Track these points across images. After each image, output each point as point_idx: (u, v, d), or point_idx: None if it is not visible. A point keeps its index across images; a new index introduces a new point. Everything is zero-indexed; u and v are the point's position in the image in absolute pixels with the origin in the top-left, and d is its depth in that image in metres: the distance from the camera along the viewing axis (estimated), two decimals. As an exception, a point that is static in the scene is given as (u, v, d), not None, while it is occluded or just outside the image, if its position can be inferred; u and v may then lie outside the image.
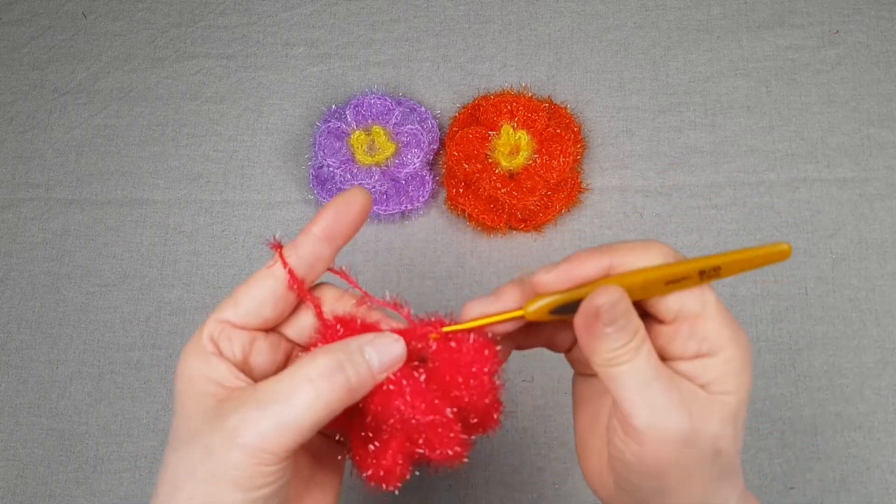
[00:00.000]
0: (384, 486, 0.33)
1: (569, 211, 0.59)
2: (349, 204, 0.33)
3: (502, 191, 0.56)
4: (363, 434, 0.33)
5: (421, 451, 0.32)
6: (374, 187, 0.58)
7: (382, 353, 0.31)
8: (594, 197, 0.59)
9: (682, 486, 0.31)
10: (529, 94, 0.61)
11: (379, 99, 0.60)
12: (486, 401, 0.32)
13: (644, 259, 0.31)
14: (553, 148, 0.57)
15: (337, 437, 0.35)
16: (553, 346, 0.36)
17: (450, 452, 0.32)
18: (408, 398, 0.31)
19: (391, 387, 0.31)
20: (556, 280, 0.31)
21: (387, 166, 0.59)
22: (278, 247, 0.33)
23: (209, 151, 0.63)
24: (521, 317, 0.32)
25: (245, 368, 0.33)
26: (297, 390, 0.30)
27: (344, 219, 0.33)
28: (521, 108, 0.58)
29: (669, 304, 0.31)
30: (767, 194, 0.59)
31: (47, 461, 0.56)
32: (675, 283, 0.30)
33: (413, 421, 0.31)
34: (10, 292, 0.60)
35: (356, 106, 0.60)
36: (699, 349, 0.31)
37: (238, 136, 0.63)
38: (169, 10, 0.68)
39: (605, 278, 0.31)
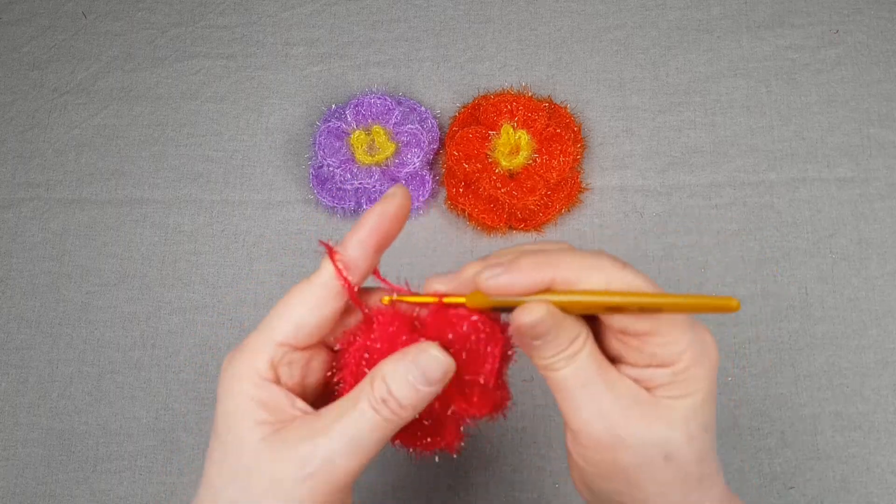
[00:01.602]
0: (451, 451, 0.34)
1: (569, 211, 0.59)
2: (393, 205, 0.33)
3: (502, 191, 0.56)
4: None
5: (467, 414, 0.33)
6: (374, 187, 0.58)
7: (429, 374, 0.31)
8: (594, 197, 0.59)
9: (637, 490, 0.31)
10: (529, 94, 0.61)
11: (379, 99, 0.60)
12: (481, 379, 0.32)
13: (587, 279, 0.30)
14: (553, 148, 0.57)
15: None
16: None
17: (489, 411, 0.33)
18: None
19: None
20: (497, 290, 0.30)
21: (387, 166, 0.59)
22: (332, 253, 0.32)
23: (209, 151, 0.63)
24: (463, 304, 0.32)
25: (299, 389, 0.33)
26: (361, 413, 0.30)
27: (389, 220, 0.33)
28: (521, 107, 0.58)
29: (615, 321, 0.31)
30: (767, 194, 0.59)
31: (47, 461, 0.56)
32: (615, 310, 0.30)
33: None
34: (10, 292, 0.60)
35: (356, 106, 0.60)
36: (649, 362, 0.31)
37: (238, 136, 0.63)
38: (169, 10, 0.68)
39: (543, 293, 0.30)
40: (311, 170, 0.60)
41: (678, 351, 0.30)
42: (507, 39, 0.65)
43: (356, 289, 0.33)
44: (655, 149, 0.60)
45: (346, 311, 0.34)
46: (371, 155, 0.59)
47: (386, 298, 0.33)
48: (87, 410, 0.57)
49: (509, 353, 0.33)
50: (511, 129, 0.58)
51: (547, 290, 0.30)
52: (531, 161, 0.57)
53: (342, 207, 0.59)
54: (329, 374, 0.34)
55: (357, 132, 0.59)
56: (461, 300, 0.32)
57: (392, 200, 0.33)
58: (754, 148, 0.60)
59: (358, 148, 0.59)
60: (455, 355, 0.32)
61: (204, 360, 0.57)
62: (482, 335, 0.32)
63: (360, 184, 0.58)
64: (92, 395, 0.57)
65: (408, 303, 0.33)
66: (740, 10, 0.64)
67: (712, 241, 0.58)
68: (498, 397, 0.33)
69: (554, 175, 0.57)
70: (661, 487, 0.31)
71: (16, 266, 0.61)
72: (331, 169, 0.59)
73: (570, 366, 0.31)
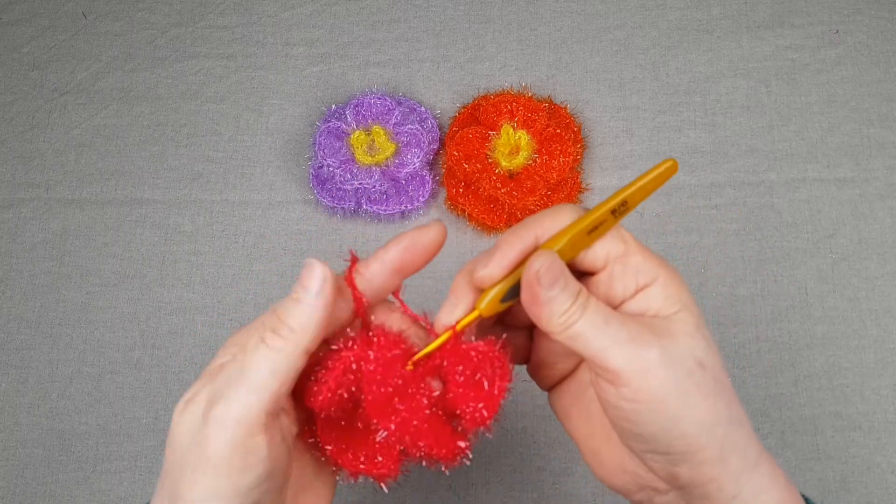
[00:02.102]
0: (381, 482, 0.33)
1: (569, 211, 0.59)
2: (427, 236, 0.34)
3: (502, 191, 0.56)
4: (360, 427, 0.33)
5: (420, 451, 0.32)
6: (374, 187, 0.58)
7: (305, 281, 0.31)
8: (594, 197, 0.59)
9: (686, 410, 0.31)
10: (529, 94, 0.61)
11: (379, 99, 0.60)
12: (486, 413, 0.33)
13: (561, 221, 0.33)
14: (553, 148, 0.57)
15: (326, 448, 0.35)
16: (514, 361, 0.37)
17: (447, 452, 0.33)
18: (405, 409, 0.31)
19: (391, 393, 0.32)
20: (495, 270, 0.32)
21: (387, 166, 0.59)
22: (350, 269, 0.32)
23: (209, 151, 0.63)
24: (479, 315, 0.33)
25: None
26: (255, 354, 0.30)
27: (418, 250, 0.33)
28: (521, 108, 0.58)
29: (597, 252, 0.33)
30: (767, 194, 0.59)
31: (47, 461, 0.56)
32: (595, 230, 0.32)
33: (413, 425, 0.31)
34: (10, 292, 0.60)
35: (356, 106, 0.60)
36: (637, 282, 0.33)
37: (238, 136, 0.63)
38: (169, 10, 0.68)
39: (535, 250, 0.32)
40: (311, 170, 0.60)
41: (656, 264, 0.33)
42: (507, 39, 0.65)
43: (368, 305, 0.33)
44: (655, 149, 0.60)
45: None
46: (371, 155, 0.59)
47: (409, 365, 0.33)
48: (87, 411, 0.57)
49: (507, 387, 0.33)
50: (511, 130, 0.58)
51: (535, 249, 0.32)
52: (531, 161, 0.57)
53: (342, 207, 0.59)
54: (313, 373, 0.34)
55: (357, 132, 0.59)
56: (475, 314, 0.33)
57: (428, 232, 0.34)
58: (754, 148, 0.60)
59: (358, 148, 0.59)
60: (464, 384, 0.32)
61: (204, 361, 0.57)
62: (491, 363, 0.32)
63: (360, 184, 0.58)
64: (92, 396, 0.57)
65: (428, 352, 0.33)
66: (740, 10, 0.64)
67: (712, 241, 0.58)
68: (460, 444, 0.33)
69: (554, 175, 0.57)
70: (706, 399, 0.31)
71: (16, 266, 0.61)
72: (331, 169, 0.59)
73: (585, 313, 0.31)
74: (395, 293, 0.34)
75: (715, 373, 0.32)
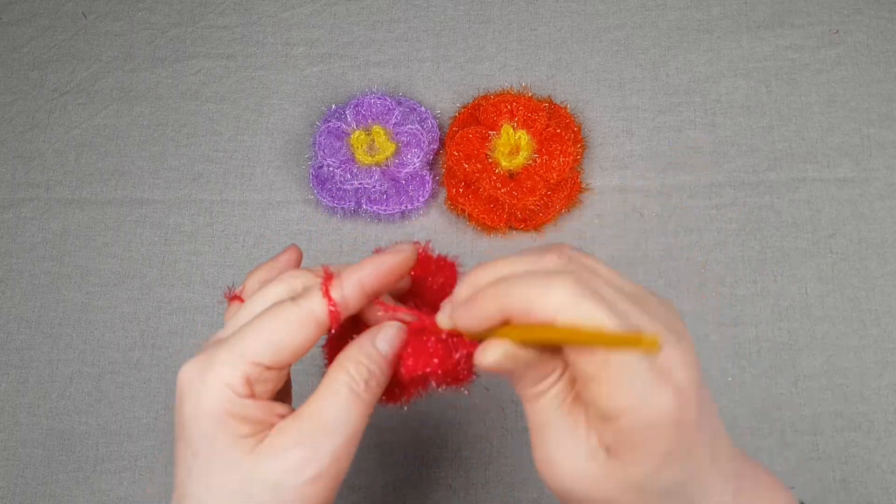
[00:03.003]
0: (401, 403, 0.35)
1: (569, 211, 0.59)
2: (399, 258, 0.34)
3: (502, 191, 0.56)
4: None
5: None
6: (374, 187, 0.58)
7: (393, 341, 0.33)
8: (594, 197, 0.59)
9: None
10: (529, 94, 0.61)
11: (379, 99, 0.60)
12: None
13: (533, 310, 0.28)
14: (553, 148, 0.57)
15: None
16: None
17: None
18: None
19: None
20: (464, 328, 0.31)
21: (387, 166, 0.59)
22: (326, 287, 0.33)
23: (209, 151, 0.63)
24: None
25: (272, 395, 0.33)
26: (350, 407, 0.31)
27: (391, 273, 0.34)
28: (521, 108, 0.58)
29: (569, 358, 0.29)
30: (767, 194, 0.59)
31: (47, 461, 0.55)
32: (560, 343, 0.28)
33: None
34: (10, 292, 0.60)
35: (356, 106, 0.60)
36: (594, 413, 0.28)
37: (238, 136, 0.63)
38: (169, 10, 0.68)
39: (504, 324, 0.29)
40: (311, 170, 0.60)
41: (618, 406, 0.27)
42: (507, 39, 0.65)
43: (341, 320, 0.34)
44: (655, 149, 0.60)
45: None
46: (371, 155, 0.59)
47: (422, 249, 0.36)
48: (87, 411, 0.57)
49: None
50: (511, 130, 0.58)
51: (506, 322, 0.29)
52: (531, 161, 0.57)
53: (342, 207, 0.59)
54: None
55: (357, 132, 0.59)
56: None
57: (401, 254, 0.34)
58: (754, 148, 0.60)
59: (358, 148, 0.59)
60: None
61: (204, 361, 0.57)
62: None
63: (360, 184, 0.58)
64: (92, 396, 0.57)
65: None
66: (740, 10, 0.64)
67: (712, 241, 0.58)
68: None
69: (554, 175, 0.57)
70: None
71: (16, 266, 0.61)
72: (331, 169, 0.59)
73: (535, 404, 0.30)
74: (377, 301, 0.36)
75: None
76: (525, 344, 0.29)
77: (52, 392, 0.57)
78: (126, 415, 0.56)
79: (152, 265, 0.60)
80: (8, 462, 0.56)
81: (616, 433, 0.27)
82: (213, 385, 0.31)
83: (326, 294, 0.32)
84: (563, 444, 0.29)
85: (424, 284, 0.37)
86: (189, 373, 0.32)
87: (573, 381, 0.30)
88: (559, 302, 0.27)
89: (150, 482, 0.54)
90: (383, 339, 0.33)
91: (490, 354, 0.29)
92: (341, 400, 0.31)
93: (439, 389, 0.34)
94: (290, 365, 0.33)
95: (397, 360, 0.33)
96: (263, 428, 0.31)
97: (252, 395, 0.31)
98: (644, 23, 0.64)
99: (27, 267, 0.61)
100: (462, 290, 0.32)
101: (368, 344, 0.33)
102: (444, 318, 0.32)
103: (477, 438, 0.54)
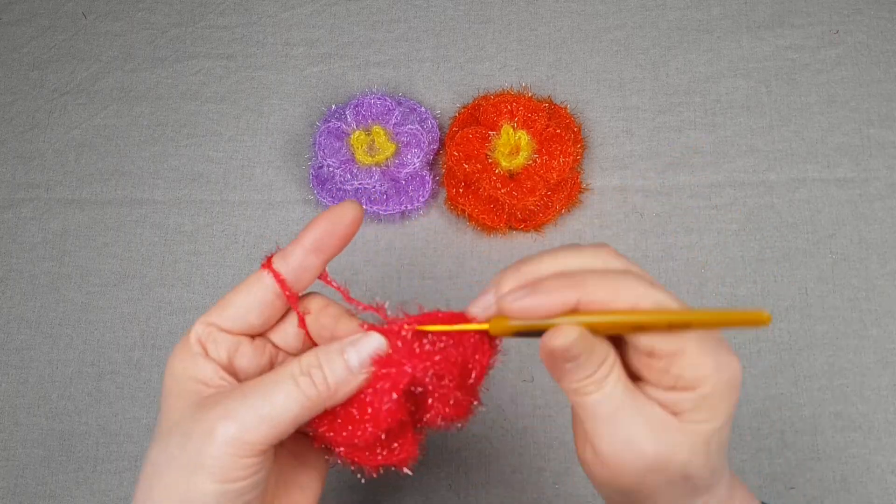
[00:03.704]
0: (402, 466, 0.34)
1: (569, 211, 0.59)
2: (340, 217, 0.34)
3: (502, 191, 0.56)
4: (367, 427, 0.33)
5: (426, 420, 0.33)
6: (374, 187, 0.58)
7: (362, 352, 0.32)
8: (594, 197, 0.59)
9: (650, 500, 0.32)
10: (529, 94, 0.61)
11: (379, 99, 0.60)
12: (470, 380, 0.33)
13: (614, 300, 0.30)
14: (553, 148, 0.57)
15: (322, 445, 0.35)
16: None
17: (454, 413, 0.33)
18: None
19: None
20: (521, 314, 0.30)
21: (387, 166, 0.59)
22: (269, 257, 0.34)
23: (209, 151, 0.63)
24: (486, 331, 0.32)
25: (230, 371, 0.34)
26: (279, 385, 0.31)
27: (334, 232, 0.34)
28: (521, 108, 0.58)
29: (642, 341, 0.31)
30: (767, 194, 0.59)
31: (47, 461, 0.56)
32: (643, 329, 0.30)
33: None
34: (10, 292, 0.60)
35: (356, 106, 0.60)
36: (674, 384, 0.31)
37: (238, 136, 0.63)
38: (169, 10, 0.68)
39: (569, 314, 0.30)
40: (311, 170, 0.60)
41: (704, 374, 0.30)
42: (507, 39, 0.65)
43: (300, 294, 0.34)
44: (655, 149, 0.60)
45: (288, 313, 0.36)
46: (371, 155, 0.59)
47: (406, 328, 0.33)
48: (87, 411, 0.57)
49: (492, 361, 0.33)
50: (511, 130, 0.58)
51: (573, 311, 0.30)
52: (531, 161, 0.57)
53: (342, 207, 0.59)
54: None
55: (357, 132, 0.59)
56: (484, 327, 0.32)
57: (342, 211, 0.34)
58: (754, 148, 0.60)
59: (358, 148, 0.59)
60: (440, 363, 0.32)
61: (204, 361, 0.57)
62: (469, 345, 0.32)
63: (360, 184, 0.58)
64: (92, 396, 0.57)
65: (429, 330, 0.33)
66: (740, 10, 0.64)
67: (712, 241, 0.58)
68: (469, 403, 0.33)
69: (554, 175, 0.57)
70: (675, 497, 0.32)
71: (16, 266, 0.61)
72: (331, 169, 0.59)
73: (599, 391, 0.31)
74: (323, 277, 0.35)
75: (700, 481, 0.31)
76: (609, 329, 0.30)
77: (52, 392, 0.57)
78: (126, 415, 0.56)
79: (152, 265, 0.60)
80: (8, 462, 0.56)
81: (698, 398, 0.30)
82: (177, 348, 0.34)
83: (266, 257, 0.34)
84: (637, 422, 0.30)
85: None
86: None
87: (621, 365, 0.32)
88: (638, 291, 0.30)
89: (150, 482, 0.54)
90: (357, 349, 0.32)
91: (565, 336, 0.30)
92: (277, 380, 0.31)
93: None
94: (240, 326, 0.34)
95: (369, 374, 0.32)
96: (210, 389, 0.33)
97: (205, 355, 0.33)
98: (644, 23, 0.64)
99: (27, 267, 0.61)
100: (508, 280, 0.32)
101: (336, 346, 0.32)
102: (481, 309, 0.32)
103: (477, 438, 0.54)
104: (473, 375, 0.32)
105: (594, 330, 0.30)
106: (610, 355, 0.31)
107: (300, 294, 0.35)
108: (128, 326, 0.59)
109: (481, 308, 0.32)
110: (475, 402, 0.33)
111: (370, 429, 0.32)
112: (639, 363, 0.31)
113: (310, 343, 0.36)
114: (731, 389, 0.31)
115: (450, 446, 0.53)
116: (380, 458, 0.33)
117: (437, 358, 0.32)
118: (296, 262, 0.34)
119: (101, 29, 0.68)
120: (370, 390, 0.32)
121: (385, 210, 0.58)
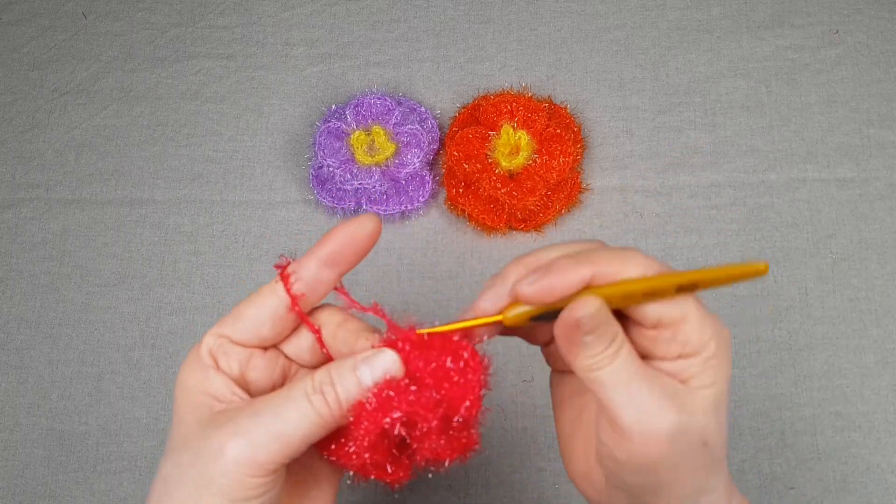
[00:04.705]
0: (393, 486, 0.34)
1: (569, 211, 0.59)
2: (358, 230, 0.33)
3: (502, 191, 0.56)
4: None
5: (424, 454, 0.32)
6: (374, 187, 0.58)
7: (375, 369, 0.32)
8: (594, 197, 0.59)
9: (674, 480, 0.32)
10: (529, 94, 0.61)
11: (379, 99, 0.60)
12: (466, 403, 0.32)
13: (624, 270, 0.31)
14: (553, 148, 0.57)
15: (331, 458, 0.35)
16: (531, 339, 0.36)
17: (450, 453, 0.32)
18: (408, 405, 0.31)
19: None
20: (538, 295, 0.31)
21: (387, 166, 0.59)
22: (283, 269, 0.33)
23: (209, 151, 0.63)
24: (500, 321, 0.32)
25: (242, 384, 0.33)
26: (292, 403, 0.31)
27: (351, 245, 0.33)
28: (521, 108, 0.58)
29: (649, 312, 0.32)
30: (767, 194, 0.59)
31: (47, 461, 0.56)
32: (653, 295, 0.31)
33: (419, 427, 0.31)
34: (10, 292, 0.60)
35: (356, 106, 0.60)
36: (681, 351, 0.32)
37: (238, 136, 0.63)
38: (169, 10, 0.68)
39: (585, 289, 0.31)
40: (311, 170, 0.60)
41: (706, 338, 0.31)
42: (507, 39, 0.65)
43: (309, 307, 0.34)
44: (655, 149, 0.60)
45: (301, 325, 0.35)
46: (371, 155, 0.59)
47: (423, 330, 0.33)
48: (87, 411, 0.57)
49: (483, 392, 0.33)
50: (511, 130, 0.58)
51: (586, 287, 0.31)
52: (531, 161, 0.57)
53: (342, 208, 0.59)
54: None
55: (357, 132, 0.59)
56: (498, 318, 0.32)
57: (359, 224, 0.33)
58: (754, 148, 0.60)
59: (358, 148, 0.59)
60: (434, 388, 0.32)
61: (204, 361, 0.57)
62: (465, 368, 0.32)
63: (360, 184, 0.58)
64: (92, 396, 0.57)
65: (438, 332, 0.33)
66: (740, 10, 0.64)
67: (712, 241, 0.58)
68: (468, 439, 0.33)
69: (554, 175, 0.57)
70: (696, 473, 0.32)
71: (16, 266, 0.61)
72: (331, 169, 0.59)
73: (613, 363, 0.31)
74: (338, 288, 0.34)
75: (716, 450, 0.32)
76: (623, 300, 0.31)
77: (52, 392, 0.57)
78: (126, 415, 0.56)
79: (152, 265, 0.60)
80: (8, 462, 0.56)
81: (703, 361, 0.32)
82: (189, 359, 0.33)
83: (279, 267, 0.33)
84: (655, 388, 0.31)
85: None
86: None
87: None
88: (644, 261, 0.31)
89: (150, 482, 0.54)
90: (364, 360, 0.32)
91: (589, 306, 0.30)
92: (289, 397, 0.31)
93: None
94: (252, 339, 0.33)
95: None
96: (224, 407, 0.32)
97: (216, 368, 0.33)
98: (644, 23, 0.64)
99: (27, 267, 0.61)
100: (513, 271, 0.32)
101: (349, 363, 0.32)
102: (491, 302, 0.32)
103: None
104: (461, 414, 0.32)
105: (609, 302, 0.31)
106: (619, 331, 0.32)
107: (313, 307, 0.34)
108: (128, 326, 0.59)
109: (491, 301, 0.32)
110: (471, 442, 0.33)
111: (355, 458, 0.32)
112: (645, 340, 0.32)
113: (323, 355, 0.35)
114: (728, 352, 0.33)
115: (450, 446, 0.54)
116: (371, 473, 0.33)
117: (410, 399, 0.31)
118: (310, 274, 0.33)
119: (101, 29, 0.68)
120: (352, 425, 0.32)
121: (385, 210, 0.58)
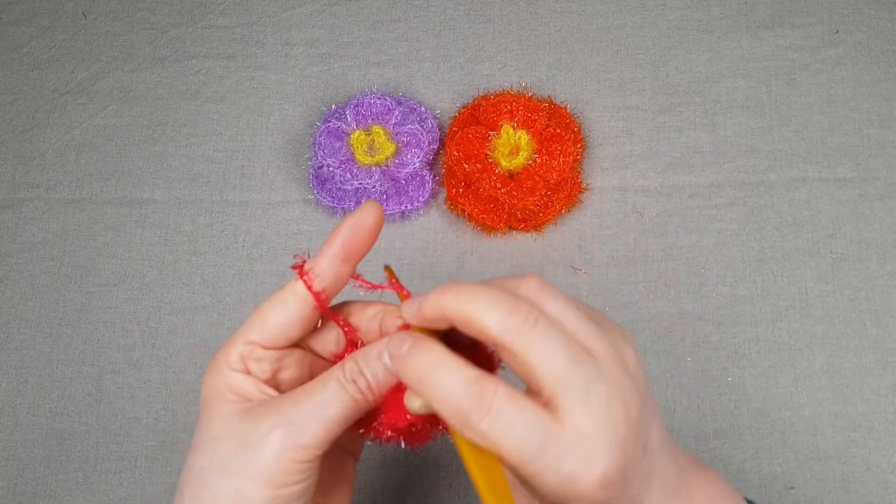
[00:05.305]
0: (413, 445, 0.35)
1: (569, 211, 0.59)
2: (362, 221, 0.34)
3: (502, 191, 0.56)
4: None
5: None
6: (374, 187, 0.58)
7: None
8: (594, 197, 0.59)
9: (622, 495, 0.31)
10: (529, 94, 0.61)
11: (379, 99, 0.60)
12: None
13: (474, 324, 0.31)
14: (553, 148, 0.57)
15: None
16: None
17: None
18: None
19: None
20: (416, 321, 0.33)
21: (387, 166, 0.59)
22: (301, 269, 0.34)
23: (209, 151, 0.63)
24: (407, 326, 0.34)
25: (273, 384, 0.34)
26: (328, 388, 0.32)
27: (359, 236, 0.34)
28: (521, 108, 0.58)
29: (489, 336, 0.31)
30: (767, 194, 0.59)
31: (47, 461, 0.56)
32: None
33: None
34: (10, 292, 0.60)
35: (356, 106, 0.60)
36: (535, 387, 0.30)
37: (238, 136, 0.63)
38: (169, 10, 0.68)
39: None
40: (311, 170, 0.60)
41: (541, 377, 0.29)
42: (507, 39, 0.65)
43: (329, 301, 0.35)
44: (655, 149, 0.60)
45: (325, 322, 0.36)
46: (371, 155, 0.59)
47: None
48: (87, 411, 0.57)
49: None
50: (511, 130, 0.58)
51: (451, 327, 0.32)
52: (531, 161, 0.57)
53: (342, 208, 0.59)
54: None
55: (357, 132, 0.59)
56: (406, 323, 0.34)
57: (364, 214, 0.34)
58: (754, 148, 0.60)
59: (358, 148, 0.59)
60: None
61: (204, 361, 0.57)
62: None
63: (360, 184, 0.58)
64: (92, 396, 0.57)
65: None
66: (740, 10, 0.64)
67: (712, 241, 0.58)
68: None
69: (554, 175, 0.57)
70: (639, 481, 0.31)
71: (16, 266, 0.61)
72: (331, 169, 0.59)
73: (486, 420, 0.31)
74: (356, 277, 0.36)
75: (645, 458, 0.31)
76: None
77: (52, 392, 0.57)
78: (126, 415, 0.56)
79: (152, 265, 0.60)
80: (8, 462, 0.56)
81: (545, 404, 0.30)
82: (217, 361, 0.34)
83: (297, 268, 0.34)
84: (518, 427, 0.30)
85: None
86: (211, 357, 0.35)
87: None
88: (493, 321, 0.30)
89: (150, 482, 0.54)
90: (387, 346, 0.33)
91: (413, 402, 0.32)
92: (324, 386, 0.32)
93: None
94: (281, 344, 0.34)
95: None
96: (253, 402, 0.33)
97: (246, 372, 0.34)
98: (644, 23, 0.64)
99: (27, 267, 0.61)
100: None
101: (374, 351, 0.33)
102: (408, 311, 0.34)
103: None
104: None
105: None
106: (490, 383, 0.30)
107: (331, 303, 0.36)
108: (128, 326, 0.59)
109: (414, 307, 0.33)
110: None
111: (384, 433, 0.34)
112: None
113: (348, 346, 0.36)
114: (599, 396, 0.29)
115: (450, 446, 0.54)
116: (397, 438, 0.35)
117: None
118: (330, 271, 0.34)
119: (101, 29, 0.68)
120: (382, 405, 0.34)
121: (385, 210, 0.59)
